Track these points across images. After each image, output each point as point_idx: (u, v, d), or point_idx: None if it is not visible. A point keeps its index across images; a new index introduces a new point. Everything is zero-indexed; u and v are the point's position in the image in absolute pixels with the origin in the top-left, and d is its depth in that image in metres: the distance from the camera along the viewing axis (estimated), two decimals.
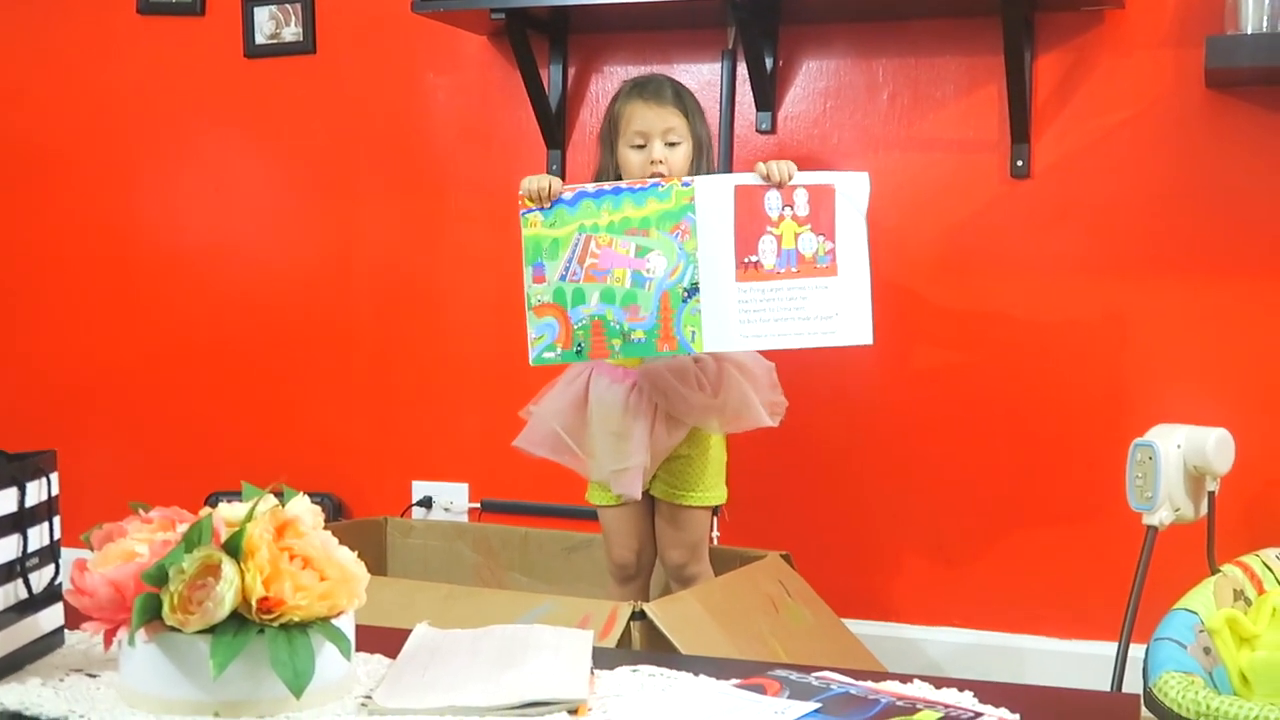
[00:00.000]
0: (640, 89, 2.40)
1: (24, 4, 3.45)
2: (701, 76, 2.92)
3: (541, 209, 2.26)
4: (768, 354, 2.43)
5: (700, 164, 2.40)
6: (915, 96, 2.82)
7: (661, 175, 2.34)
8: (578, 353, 2.22)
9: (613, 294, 2.19)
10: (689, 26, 2.94)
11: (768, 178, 2.23)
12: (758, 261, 2.19)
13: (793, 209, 2.21)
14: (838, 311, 2.21)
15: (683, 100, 2.40)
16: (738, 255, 2.19)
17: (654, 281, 2.18)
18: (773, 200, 2.21)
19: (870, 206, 2.80)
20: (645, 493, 2.44)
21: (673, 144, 2.36)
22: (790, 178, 2.23)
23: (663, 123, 2.36)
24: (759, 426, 2.38)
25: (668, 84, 2.42)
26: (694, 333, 2.15)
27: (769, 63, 2.87)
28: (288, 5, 3.23)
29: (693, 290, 2.16)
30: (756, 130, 2.91)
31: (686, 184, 2.21)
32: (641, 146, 2.37)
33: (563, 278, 2.22)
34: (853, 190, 2.24)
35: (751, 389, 2.38)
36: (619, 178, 2.40)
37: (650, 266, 2.18)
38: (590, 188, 2.27)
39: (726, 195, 2.20)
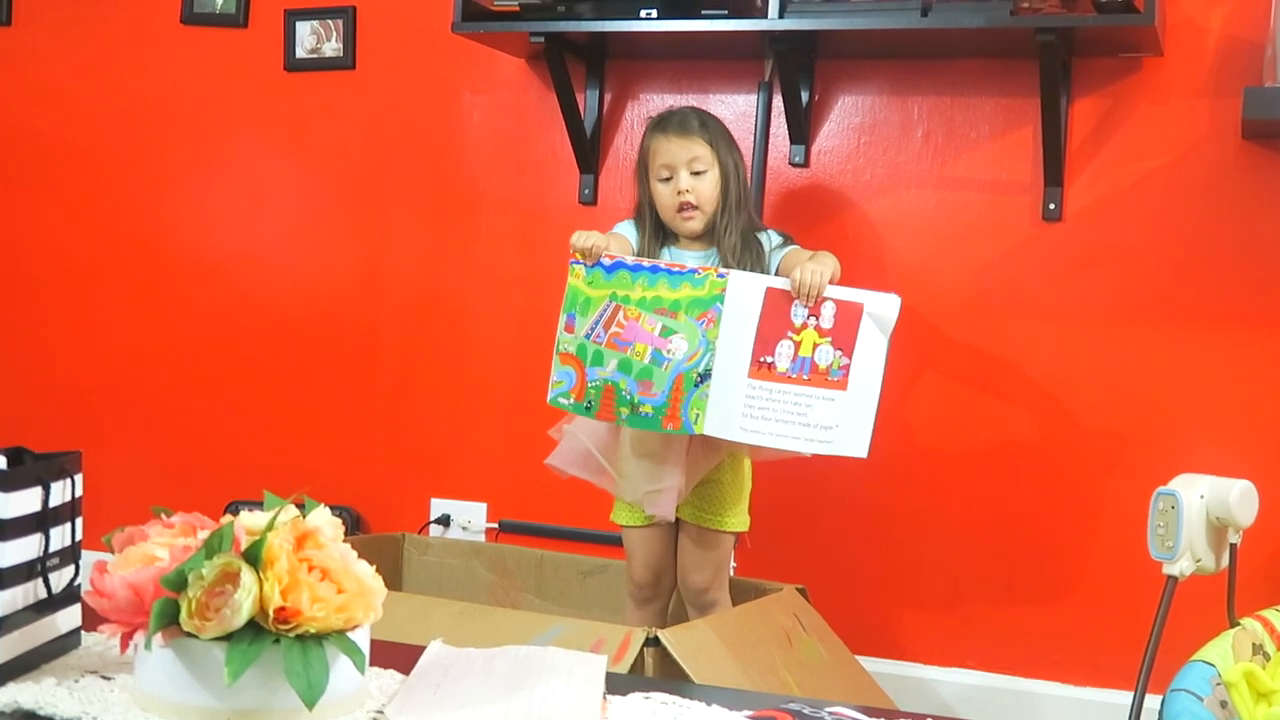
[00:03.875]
0: (663, 123, 2.45)
1: (68, 10, 3.50)
2: (737, 108, 2.94)
3: (586, 265, 2.31)
4: None
5: (730, 191, 2.42)
6: (949, 136, 2.82)
7: (691, 205, 2.37)
8: (587, 409, 2.29)
9: (630, 365, 2.24)
10: (726, 57, 2.95)
11: (797, 293, 2.23)
12: (772, 363, 2.21)
13: (817, 319, 2.23)
14: (838, 424, 2.22)
15: (707, 129, 2.43)
16: (755, 353, 2.21)
17: (672, 363, 2.22)
18: (799, 308, 2.23)
19: (901, 243, 2.83)
20: None
21: (698, 173, 2.39)
22: (818, 295, 2.22)
23: (687, 153, 2.40)
24: (795, 454, 2.38)
25: (692, 114, 2.45)
26: (698, 415, 2.18)
27: (804, 96, 2.88)
28: (329, 20, 3.26)
29: (705, 376, 2.19)
30: (790, 163, 2.92)
31: (722, 275, 2.24)
32: (669, 179, 2.40)
33: (587, 336, 2.28)
34: (881, 310, 2.25)
35: None
36: (653, 210, 2.43)
37: (672, 348, 2.22)
38: (629, 260, 2.31)
39: (756, 294, 2.23)
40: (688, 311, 2.22)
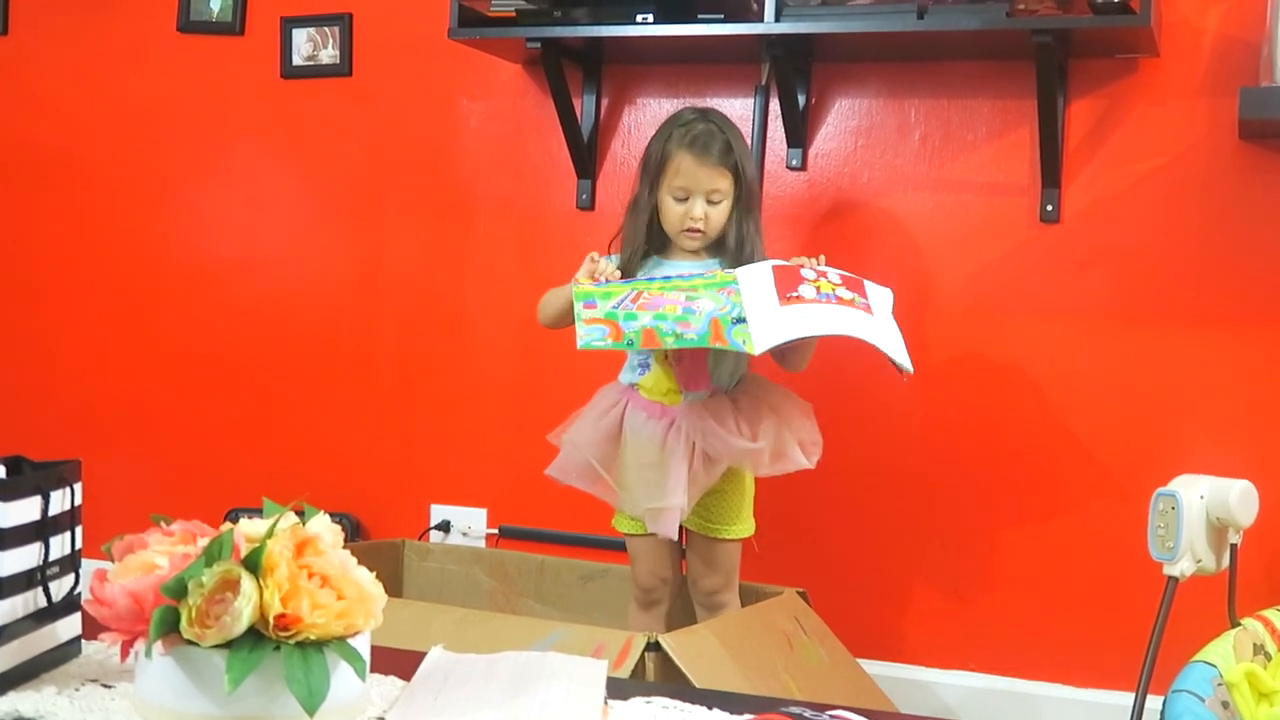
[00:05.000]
0: (693, 142, 2.37)
1: (65, 18, 3.50)
2: (734, 111, 2.93)
3: (594, 282, 2.29)
4: (806, 394, 2.45)
5: (744, 216, 2.41)
6: (946, 138, 2.82)
7: (698, 230, 2.37)
8: (629, 344, 2.20)
9: (665, 315, 2.19)
10: (723, 61, 2.95)
11: (803, 263, 2.27)
12: (799, 295, 2.18)
13: (827, 277, 2.24)
14: (880, 333, 2.20)
15: (732, 154, 2.37)
16: (780, 295, 2.19)
17: (703, 313, 2.17)
18: (808, 272, 2.24)
19: (899, 246, 2.83)
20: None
21: (714, 202, 2.38)
22: (820, 263, 2.28)
23: (710, 184, 2.37)
24: (797, 469, 2.37)
25: (719, 137, 2.38)
26: (744, 340, 2.12)
27: (801, 100, 2.88)
28: (326, 28, 3.26)
29: (740, 320, 2.15)
30: (787, 167, 2.92)
31: (730, 272, 2.25)
32: (684, 199, 2.38)
33: (615, 308, 2.22)
34: (880, 292, 2.28)
35: (789, 431, 2.37)
36: (655, 213, 2.42)
37: (700, 305, 2.18)
38: (642, 277, 2.33)
39: (766, 271, 2.24)
40: (707, 288, 2.21)
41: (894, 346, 2.20)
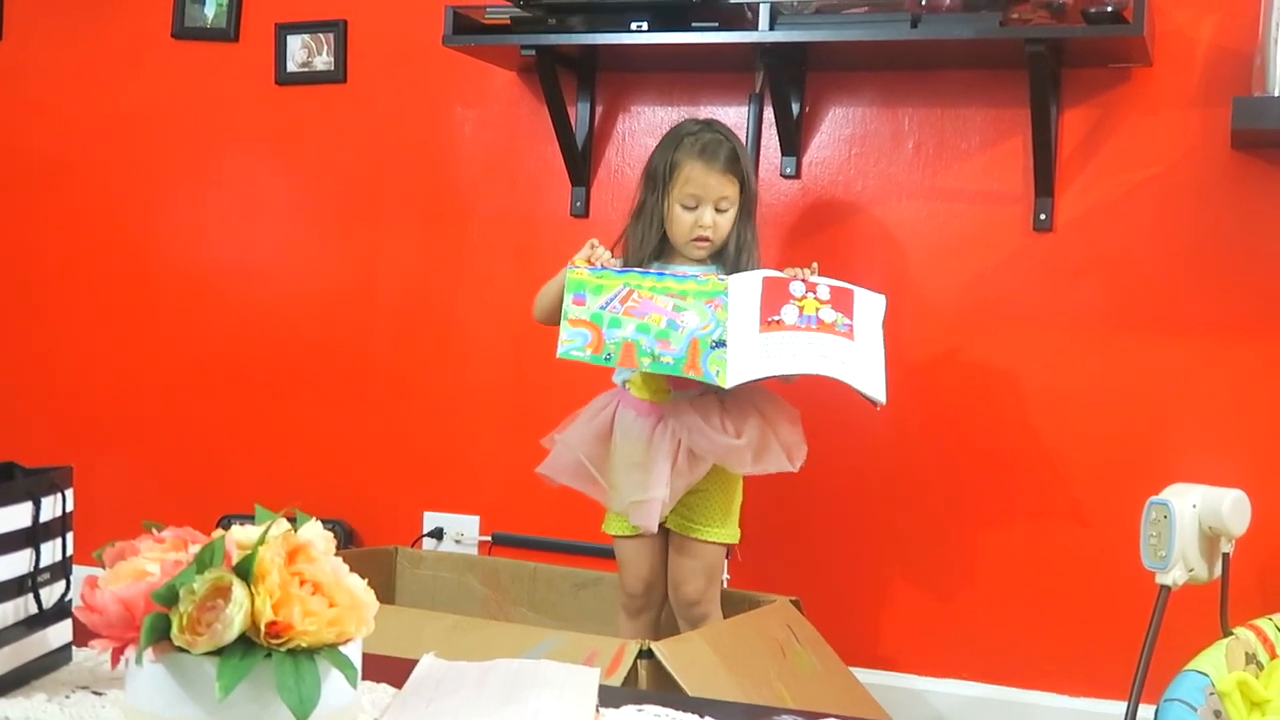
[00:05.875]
0: (703, 150, 2.41)
1: (60, 25, 3.50)
2: (728, 119, 2.93)
3: (590, 268, 2.33)
4: (792, 400, 2.46)
5: (744, 223, 2.45)
6: (940, 146, 2.82)
7: (706, 239, 2.41)
8: (606, 359, 2.27)
9: (647, 328, 2.26)
10: (717, 69, 2.96)
11: (793, 275, 2.32)
12: (780, 319, 2.26)
13: (815, 293, 2.30)
14: (854, 362, 2.26)
15: (739, 163, 2.43)
16: (762, 316, 2.26)
17: (686, 330, 2.25)
18: (797, 285, 2.30)
19: (892, 254, 2.84)
20: (662, 525, 2.44)
21: (722, 210, 2.41)
22: (810, 274, 2.33)
23: (719, 191, 2.40)
24: (779, 470, 2.38)
25: (726, 145, 2.43)
26: (719, 370, 2.21)
27: (795, 108, 2.89)
28: (320, 34, 3.26)
29: (720, 344, 2.23)
30: (781, 175, 2.92)
31: (722, 279, 2.32)
32: (693, 208, 2.40)
33: (601, 309, 2.28)
34: (870, 301, 2.33)
35: (774, 433, 2.39)
36: (661, 223, 2.44)
37: (684, 320, 2.26)
38: (636, 269, 2.37)
39: (755, 282, 2.31)
40: (695, 297, 2.28)
41: (867, 376, 2.25)
